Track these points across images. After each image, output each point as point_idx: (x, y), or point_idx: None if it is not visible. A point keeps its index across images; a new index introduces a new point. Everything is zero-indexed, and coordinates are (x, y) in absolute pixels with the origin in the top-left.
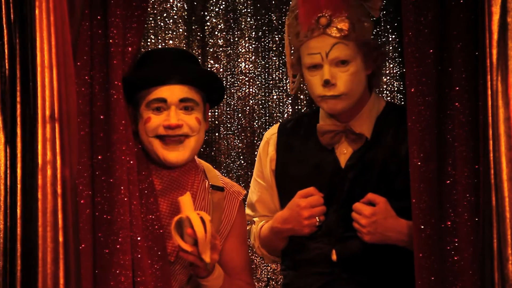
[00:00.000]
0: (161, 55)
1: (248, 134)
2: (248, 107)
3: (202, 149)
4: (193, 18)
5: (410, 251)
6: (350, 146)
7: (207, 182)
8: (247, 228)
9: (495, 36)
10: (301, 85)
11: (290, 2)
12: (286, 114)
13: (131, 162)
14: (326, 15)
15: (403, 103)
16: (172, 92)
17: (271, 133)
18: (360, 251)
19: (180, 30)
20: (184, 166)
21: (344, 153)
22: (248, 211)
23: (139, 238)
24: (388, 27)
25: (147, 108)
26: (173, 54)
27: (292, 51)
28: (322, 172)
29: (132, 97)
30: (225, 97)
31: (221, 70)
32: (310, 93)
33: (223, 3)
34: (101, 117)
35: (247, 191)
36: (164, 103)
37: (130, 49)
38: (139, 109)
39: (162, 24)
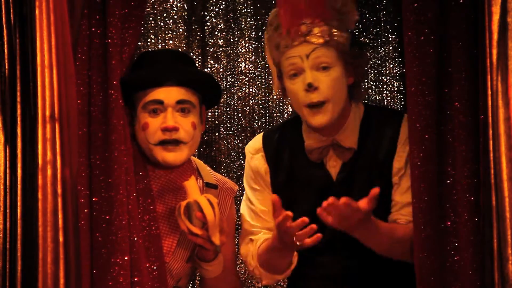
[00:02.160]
0: (158, 57)
1: (248, 134)
2: (248, 107)
3: (202, 149)
4: (193, 18)
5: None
6: (339, 158)
7: (201, 181)
8: (243, 244)
9: (495, 36)
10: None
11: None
12: (286, 114)
13: (129, 162)
14: (307, 23)
15: (403, 103)
16: (169, 93)
17: (256, 149)
18: (367, 267)
19: (180, 30)
20: (181, 166)
21: (334, 166)
22: (252, 221)
23: (136, 239)
24: (388, 27)
25: (144, 110)
26: (170, 55)
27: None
28: (315, 188)
29: (129, 98)
30: (225, 97)
31: (221, 70)
32: (295, 106)
33: (223, 3)
34: (100, 117)
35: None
36: (161, 105)
37: (128, 49)
38: (136, 111)
39: (162, 24)
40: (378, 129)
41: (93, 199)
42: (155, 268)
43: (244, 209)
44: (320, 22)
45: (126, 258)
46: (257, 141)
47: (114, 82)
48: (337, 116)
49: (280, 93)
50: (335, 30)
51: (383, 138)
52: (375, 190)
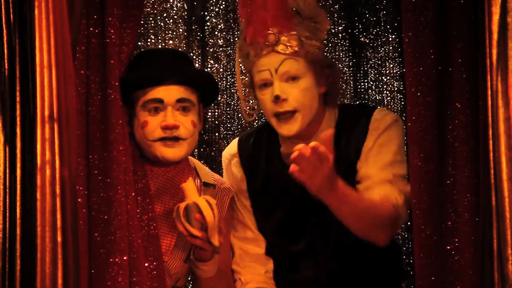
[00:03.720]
0: (157, 56)
1: None
2: (248, 107)
3: (202, 149)
4: (193, 18)
5: (401, 269)
6: None
7: (198, 180)
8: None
9: (495, 36)
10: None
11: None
12: None
13: (127, 162)
14: (274, 32)
15: (403, 103)
16: (169, 92)
17: (231, 154)
18: (350, 270)
19: (180, 30)
20: (178, 165)
21: None
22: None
23: (135, 238)
24: (388, 27)
25: (143, 109)
26: (169, 54)
27: (244, 76)
28: (292, 194)
29: (127, 97)
30: (225, 97)
31: (221, 70)
32: (265, 115)
33: (223, 3)
34: (98, 116)
35: None
36: (161, 104)
37: (126, 48)
38: (135, 110)
39: (162, 24)
40: (349, 128)
41: (92, 199)
42: (153, 268)
43: None
44: (288, 30)
45: (125, 258)
46: (232, 146)
47: (113, 82)
48: (307, 125)
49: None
50: (305, 39)
51: (353, 136)
52: (330, 131)
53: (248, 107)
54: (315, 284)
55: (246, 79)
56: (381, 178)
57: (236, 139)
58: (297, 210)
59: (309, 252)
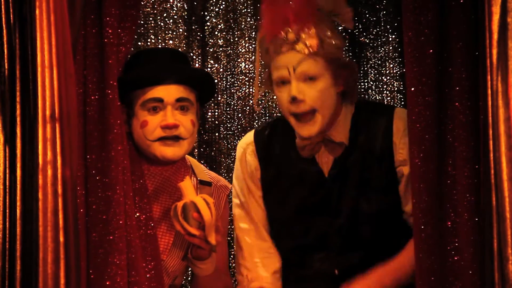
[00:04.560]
0: (154, 55)
1: None
2: (248, 107)
3: (202, 149)
4: (193, 18)
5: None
6: (330, 154)
7: (195, 178)
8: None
9: (495, 36)
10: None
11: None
12: None
13: (125, 162)
14: (294, 30)
15: (403, 103)
16: (169, 92)
17: (247, 143)
18: (361, 265)
19: (180, 30)
20: (175, 164)
21: (326, 162)
22: (242, 223)
23: (133, 238)
24: (388, 27)
25: (142, 108)
26: (166, 53)
27: (261, 69)
28: (307, 183)
29: (124, 96)
30: (225, 97)
31: (221, 70)
32: (282, 112)
33: (223, 3)
34: (96, 116)
35: None
36: (161, 103)
37: (124, 48)
38: (134, 109)
39: (162, 24)
40: (369, 124)
41: (90, 199)
42: (151, 267)
43: (235, 210)
44: (309, 28)
45: (123, 257)
46: (248, 136)
47: (111, 82)
48: (327, 124)
49: (261, 100)
50: (325, 39)
51: (376, 132)
52: None
53: (260, 95)
54: (325, 278)
55: (263, 70)
56: None
57: (252, 131)
58: (309, 201)
59: (319, 245)
